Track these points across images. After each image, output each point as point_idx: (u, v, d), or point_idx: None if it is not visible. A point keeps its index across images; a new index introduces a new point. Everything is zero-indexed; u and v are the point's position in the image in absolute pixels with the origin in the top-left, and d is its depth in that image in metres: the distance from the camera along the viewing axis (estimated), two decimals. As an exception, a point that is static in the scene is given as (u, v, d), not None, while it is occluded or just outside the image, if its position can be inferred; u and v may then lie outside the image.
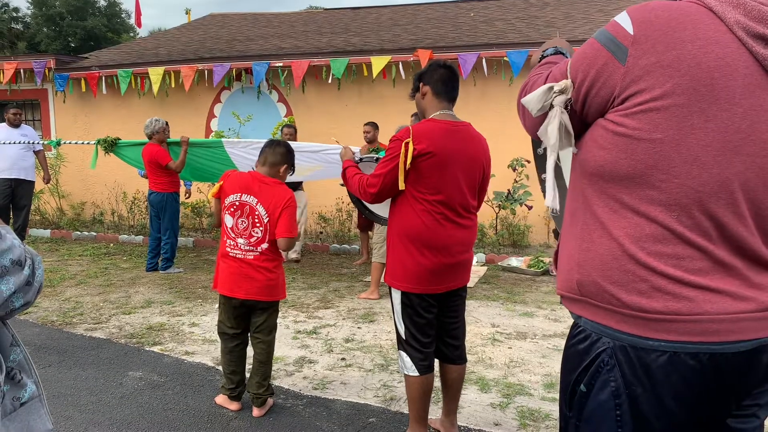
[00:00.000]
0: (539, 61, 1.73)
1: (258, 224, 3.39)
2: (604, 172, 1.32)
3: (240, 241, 3.42)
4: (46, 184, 8.64)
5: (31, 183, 8.20)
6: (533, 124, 1.49)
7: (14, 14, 39.89)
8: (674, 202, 1.25)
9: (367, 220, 7.66)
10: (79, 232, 9.85)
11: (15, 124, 7.93)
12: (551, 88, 1.39)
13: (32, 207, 10.34)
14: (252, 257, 3.41)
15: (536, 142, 2.38)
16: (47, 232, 9.92)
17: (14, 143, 7.68)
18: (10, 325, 1.35)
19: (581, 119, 1.39)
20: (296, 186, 7.68)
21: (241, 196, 3.42)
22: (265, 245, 3.40)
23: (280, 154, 3.52)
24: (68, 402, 3.71)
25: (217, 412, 3.58)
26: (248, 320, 3.58)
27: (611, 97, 1.30)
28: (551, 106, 1.39)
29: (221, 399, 3.67)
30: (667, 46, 1.24)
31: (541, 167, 2.28)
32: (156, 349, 4.65)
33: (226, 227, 3.47)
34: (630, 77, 1.26)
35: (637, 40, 1.26)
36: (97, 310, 5.67)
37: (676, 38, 1.24)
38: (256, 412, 3.55)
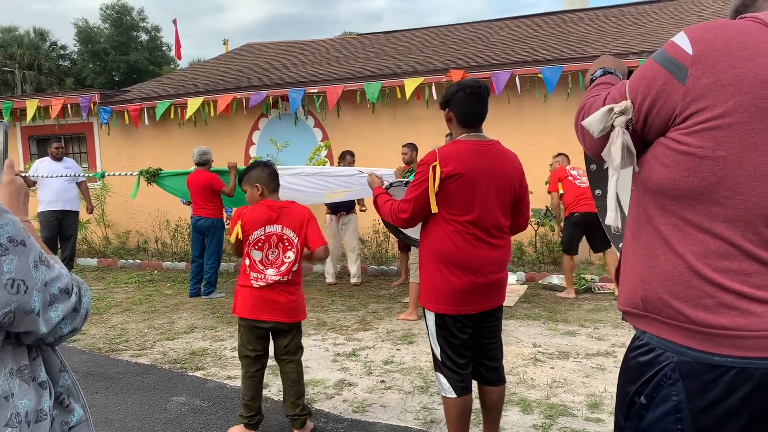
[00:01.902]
0: (590, 84, 1.75)
1: (289, 247, 3.45)
2: (667, 189, 1.34)
3: (269, 272, 3.44)
4: (90, 213, 8.91)
5: (76, 213, 8.45)
6: (595, 145, 1.51)
7: (62, 52, 41.59)
8: (739, 218, 1.26)
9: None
10: (124, 260, 10.12)
11: (58, 158, 8.22)
12: (611, 109, 1.41)
13: (79, 237, 10.67)
14: (280, 283, 3.44)
15: (589, 159, 2.37)
16: (94, 261, 10.22)
17: (59, 176, 7.97)
18: (58, 351, 1.41)
19: (642, 138, 1.41)
20: (350, 208, 7.79)
21: (264, 229, 3.46)
22: (295, 268, 3.46)
23: (276, 177, 3.62)
24: (115, 428, 3.80)
25: (259, 436, 3.61)
26: (268, 342, 3.60)
27: (672, 116, 1.32)
28: (612, 127, 1.41)
29: (238, 429, 3.59)
30: (728, 65, 1.25)
31: (594, 183, 2.28)
32: (199, 374, 4.72)
33: (254, 261, 3.47)
34: (691, 96, 1.28)
35: (697, 60, 1.28)
36: (142, 337, 5.80)
37: (737, 57, 1.25)
38: None
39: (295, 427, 3.57)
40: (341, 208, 7.73)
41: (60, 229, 8.21)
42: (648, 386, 1.36)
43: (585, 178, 6.78)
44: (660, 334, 1.36)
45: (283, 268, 3.44)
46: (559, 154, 7.28)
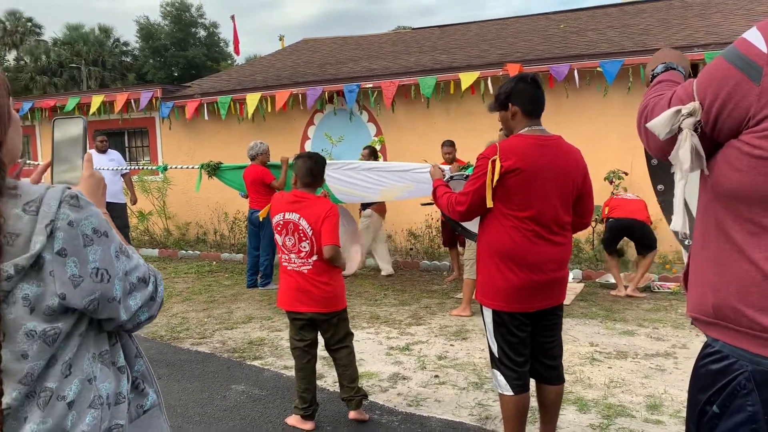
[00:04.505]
0: (650, 80, 1.68)
1: (304, 238, 3.51)
2: (741, 194, 1.28)
3: (292, 256, 3.56)
4: (133, 205, 9.18)
5: (123, 205, 8.70)
6: (660, 147, 1.46)
7: (124, 48, 43.00)
8: None
9: (452, 237, 7.67)
10: (184, 251, 10.41)
11: (102, 150, 8.52)
12: (679, 111, 1.35)
13: (141, 228, 11.05)
14: (307, 271, 3.51)
15: (650, 154, 2.32)
16: (155, 252, 10.55)
17: (108, 169, 8.25)
18: (134, 338, 1.47)
19: (711, 140, 1.35)
20: (367, 205, 7.87)
21: (284, 215, 3.56)
22: (315, 257, 3.50)
23: (316, 174, 3.65)
24: (177, 413, 3.93)
25: (316, 426, 3.67)
26: (314, 332, 3.67)
27: (745, 118, 1.26)
28: (680, 130, 1.36)
29: (294, 420, 3.69)
30: None
31: (655, 178, 2.23)
32: (257, 363, 4.83)
33: (278, 245, 3.64)
34: (766, 98, 1.22)
35: None
36: (202, 326, 5.97)
37: None
38: (351, 414, 3.65)
39: (350, 408, 3.64)
40: (364, 205, 7.90)
41: None
42: (721, 395, 1.32)
43: (629, 195, 7.15)
44: (733, 343, 1.31)
45: (302, 255, 3.52)
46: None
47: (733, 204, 1.31)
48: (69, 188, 1.20)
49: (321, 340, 3.70)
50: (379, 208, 8.06)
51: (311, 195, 3.61)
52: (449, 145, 7.25)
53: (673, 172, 1.44)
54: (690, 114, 1.34)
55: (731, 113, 1.28)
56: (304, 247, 3.51)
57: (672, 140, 1.39)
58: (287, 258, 3.58)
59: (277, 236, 3.62)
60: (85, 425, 1.19)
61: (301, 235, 3.51)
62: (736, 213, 1.31)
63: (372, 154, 8.14)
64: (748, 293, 1.27)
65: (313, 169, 3.63)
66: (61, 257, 1.15)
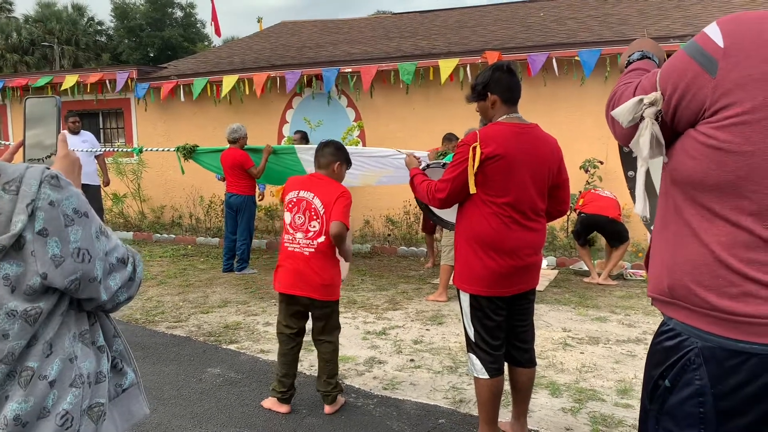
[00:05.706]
0: (626, 67, 1.75)
1: (315, 217, 3.52)
2: (695, 181, 1.36)
3: (298, 235, 3.55)
4: (106, 186, 9.07)
5: (97, 187, 8.59)
6: (624, 134, 1.52)
7: (99, 27, 42.13)
8: (765, 211, 1.28)
9: (432, 223, 7.70)
10: (159, 235, 10.32)
11: (75, 132, 8.38)
12: (641, 100, 1.42)
13: (116, 210, 10.92)
14: (308, 253, 3.50)
15: None
16: (130, 234, 10.44)
17: (81, 150, 8.12)
18: (112, 318, 1.48)
19: (672, 129, 1.42)
20: None
21: (298, 192, 3.59)
22: (321, 239, 3.49)
23: (329, 154, 3.67)
24: (152, 396, 3.92)
25: (292, 409, 3.69)
26: (305, 320, 3.67)
27: (701, 109, 1.32)
28: (642, 118, 1.42)
29: (270, 402, 3.71)
30: (759, 59, 1.25)
31: (626, 165, 2.29)
32: (233, 347, 4.83)
33: (286, 223, 3.64)
34: (720, 90, 1.28)
35: (728, 53, 1.28)
36: (177, 309, 5.94)
37: None
38: (327, 409, 3.65)
39: (326, 402, 3.65)
40: None
41: None
42: (672, 370, 1.41)
43: (607, 192, 7.17)
44: (685, 320, 1.39)
45: (310, 235, 3.53)
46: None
47: (688, 190, 1.39)
48: (48, 168, 1.20)
49: (308, 328, 3.71)
50: None
51: (328, 177, 3.64)
52: (455, 139, 7.06)
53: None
54: (651, 103, 1.41)
55: (689, 104, 1.35)
56: (314, 227, 3.52)
57: (635, 128, 1.46)
58: (291, 238, 3.57)
59: (286, 214, 3.62)
60: (66, 404, 1.20)
61: (313, 213, 3.53)
62: (691, 198, 1.38)
63: (303, 138, 8.25)
64: (701, 274, 1.35)
65: (321, 152, 3.69)
66: (42, 237, 1.14)
